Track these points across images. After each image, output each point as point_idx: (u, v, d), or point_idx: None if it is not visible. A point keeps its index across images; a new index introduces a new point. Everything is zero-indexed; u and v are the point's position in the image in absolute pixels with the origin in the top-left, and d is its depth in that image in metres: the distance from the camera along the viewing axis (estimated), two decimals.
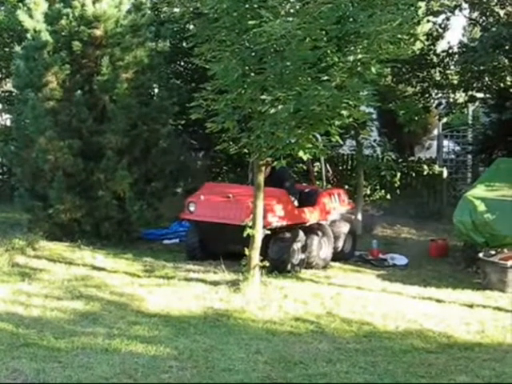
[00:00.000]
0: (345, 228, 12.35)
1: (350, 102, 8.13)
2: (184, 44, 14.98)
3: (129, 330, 7.64)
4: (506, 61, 14.75)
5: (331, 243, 11.87)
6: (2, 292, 9.03)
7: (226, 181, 17.13)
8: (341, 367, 6.67)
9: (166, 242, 13.16)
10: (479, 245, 11.38)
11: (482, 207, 11.40)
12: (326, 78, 7.93)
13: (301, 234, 11.19)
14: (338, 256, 12.08)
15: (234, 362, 6.70)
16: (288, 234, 10.98)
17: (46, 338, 7.22)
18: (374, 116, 19.30)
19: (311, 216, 11.68)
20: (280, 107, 7.89)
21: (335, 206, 12.42)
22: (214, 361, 6.74)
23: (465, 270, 11.77)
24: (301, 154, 8.54)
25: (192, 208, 11.47)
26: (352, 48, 8.15)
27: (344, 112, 8.15)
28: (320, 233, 11.66)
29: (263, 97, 8.09)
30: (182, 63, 17.16)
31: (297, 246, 11.04)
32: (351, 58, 8.08)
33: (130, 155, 12.25)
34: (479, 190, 11.99)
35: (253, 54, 8.57)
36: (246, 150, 9.13)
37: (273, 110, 7.88)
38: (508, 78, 16.03)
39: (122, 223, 12.44)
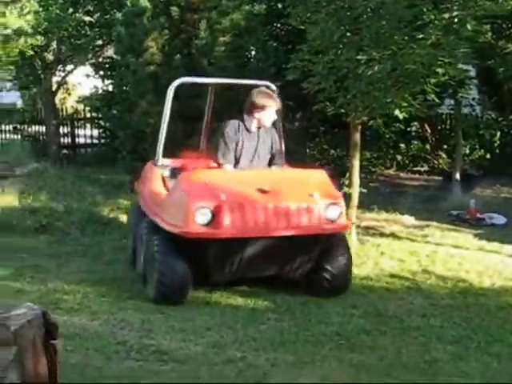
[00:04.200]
0: None
1: (446, 60, 8.12)
2: (280, 6, 15.07)
3: (228, 285, 7.93)
4: None
5: None
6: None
7: (324, 142, 17.21)
8: (435, 322, 6.79)
9: None
10: None
11: None
12: (421, 36, 7.94)
13: None
14: None
15: (330, 314, 6.91)
16: None
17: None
18: (473, 74, 18.96)
19: None
20: (376, 67, 7.95)
21: None
22: (310, 313, 6.97)
23: None
24: (397, 112, 8.61)
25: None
26: (448, 5, 8.10)
27: (439, 70, 8.15)
28: None
29: (359, 57, 8.16)
30: (279, 25, 17.22)
31: None
32: (446, 15, 8.05)
33: (228, 117, 12.45)
34: None
35: (348, 13, 8.62)
36: (342, 110, 9.21)
37: (370, 72, 7.94)
38: None
39: None
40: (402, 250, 9.58)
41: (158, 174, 8.48)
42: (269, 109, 7.75)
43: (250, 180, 7.34)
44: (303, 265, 7.41)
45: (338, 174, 10.54)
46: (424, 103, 9.04)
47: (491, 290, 8.02)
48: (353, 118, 9.03)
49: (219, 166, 7.77)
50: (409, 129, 17.37)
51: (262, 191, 7.06)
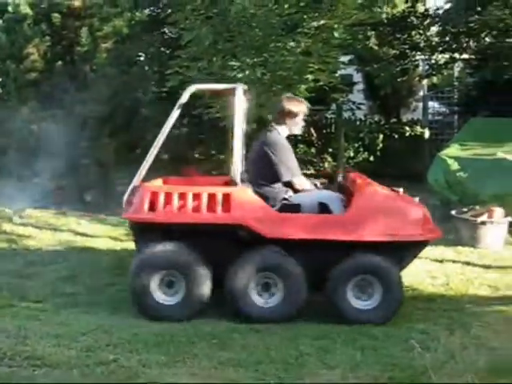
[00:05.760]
0: None
1: (316, 67, 8.41)
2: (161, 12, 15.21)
3: (108, 289, 8.00)
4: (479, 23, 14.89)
5: None
6: None
7: (213, 147, 17.30)
8: (307, 319, 7.03)
9: None
10: (453, 203, 11.68)
11: (455, 166, 11.70)
12: (291, 44, 8.19)
13: None
14: None
15: (206, 316, 7.08)
16: None
17: (30, 300, 7.60)
18: (359, 79, 19.59)
19: None
20: (247, 72, 8.16)
21: None
22: None
23: (440, 227, 11.99)
24: (270, 117, 8.84)
25: None
26: (316, 14, 8.40)
27: (309, 76, 8.42)
28: None
29: (232, 63, 8.37)
30: (165, 31, 17.30)
31: None
32: (315, 23, 8.34)
33: (112, 123, 12.53)
34: (453, 150, 12.32)
35: (223, 21, 8.83)
36: (218, 115, 9.41)
37: (240, 75, 8.16)
38: (487, 39, 16.20)
39: (107, 190, 12.77)
40: None
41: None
42: (301, 115, 7.44)
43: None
44: None
45: None
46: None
47: None
48: (229, 122, 9.25)
49: (287, 183, 7.19)
50: None
51: None
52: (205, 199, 6.80)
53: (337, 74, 9.26)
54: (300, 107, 7.43)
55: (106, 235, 10.80)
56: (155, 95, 13.82)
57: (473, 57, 17.84)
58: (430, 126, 21.10)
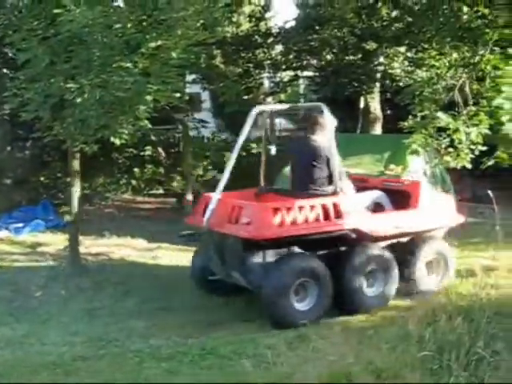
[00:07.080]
0: None
1: (155, 87, 8.36)
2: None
3: None
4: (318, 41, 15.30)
5: None
6: None
7: (58, 170, 16.92)
8: (155, 342, 6.99)
9: None
10: None
11: None
12: (128, 64, 8.11)
13: None
14: None
15: (49, 346, 6.91)
16: None
17: None
18: (206, 97, 19.72)
19: None
20: (86, 95, 8.03)
21: None
22: (30, 345, 6.95)
23: None
24: (112, 138, 8.74)
25: None
26: (154, 34, 8.36)
27: (148, 97, 8.37)
28: None
29: (69, 85, 8.20)
30: (8, 52, 16.78)
31: None
32: (153, 44, 8.30)
33: None
34: None
35: (60, 42, 8.63)
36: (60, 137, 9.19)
37: (79, 99, 8.02)
38: (328, 57, 16.64)
39: None
40: (123, 275, 9.70)
41: None
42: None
43: None
44: None
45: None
46: (141, 128, 9.16)
47: None
48: (69, 145, 9.11)
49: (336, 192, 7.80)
50: (142, 153, 17.59)
51: None
52: (320, 210, 7.50)
53: (178, 95, 9.20)
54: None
55: None
56: None
57: (316, 74, 18.33)
58: (279, 142, 21.42)
